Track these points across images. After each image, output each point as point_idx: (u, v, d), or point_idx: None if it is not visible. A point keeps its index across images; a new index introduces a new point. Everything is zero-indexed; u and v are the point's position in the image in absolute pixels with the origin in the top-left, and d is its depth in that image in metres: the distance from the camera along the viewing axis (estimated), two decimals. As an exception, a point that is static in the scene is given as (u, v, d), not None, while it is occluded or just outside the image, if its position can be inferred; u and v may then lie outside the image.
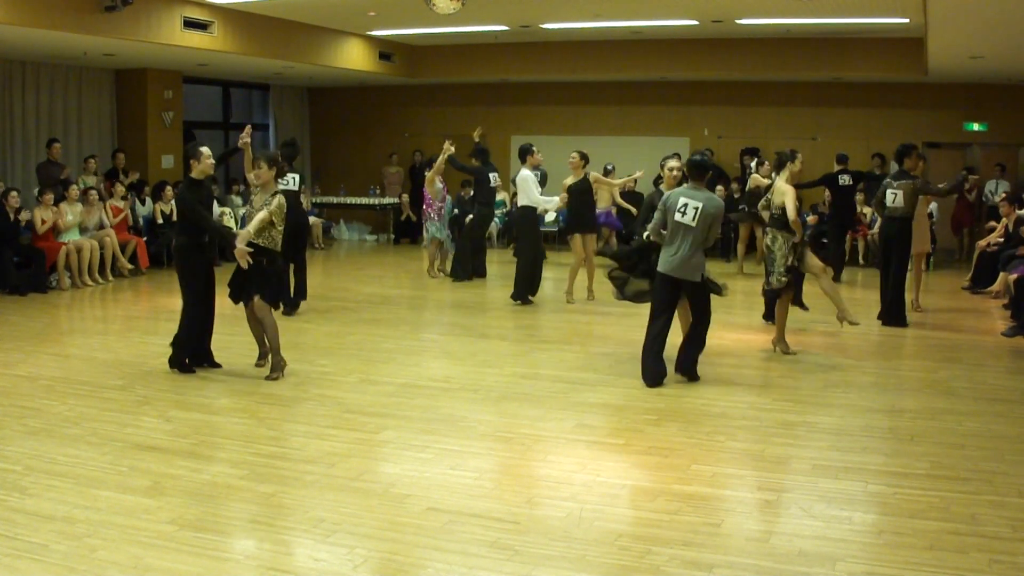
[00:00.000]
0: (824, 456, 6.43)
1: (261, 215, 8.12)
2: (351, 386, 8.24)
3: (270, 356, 8.48)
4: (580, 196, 12.29)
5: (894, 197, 10.87)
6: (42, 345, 9.84)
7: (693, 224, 8.04)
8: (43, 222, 13.25)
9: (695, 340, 8.42)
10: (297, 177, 11.67)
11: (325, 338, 10.16)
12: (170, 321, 11.22)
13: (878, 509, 5.46)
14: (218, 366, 8.73)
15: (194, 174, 8.52)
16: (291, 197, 11.23)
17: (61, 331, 11.16)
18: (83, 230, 13.99)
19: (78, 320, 12.02)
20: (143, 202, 15.76)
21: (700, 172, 8.21)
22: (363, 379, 8.49)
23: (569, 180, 12.29)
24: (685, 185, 8.35)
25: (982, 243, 14.32)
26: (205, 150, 8.57)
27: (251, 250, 8.05)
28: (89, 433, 6.74)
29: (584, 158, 12.36)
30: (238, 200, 17.68)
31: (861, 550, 4.88)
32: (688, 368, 8.41)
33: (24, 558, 4.65)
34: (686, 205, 8.08)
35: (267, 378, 8.33)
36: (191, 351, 8.64)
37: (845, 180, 14.80)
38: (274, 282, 8.46)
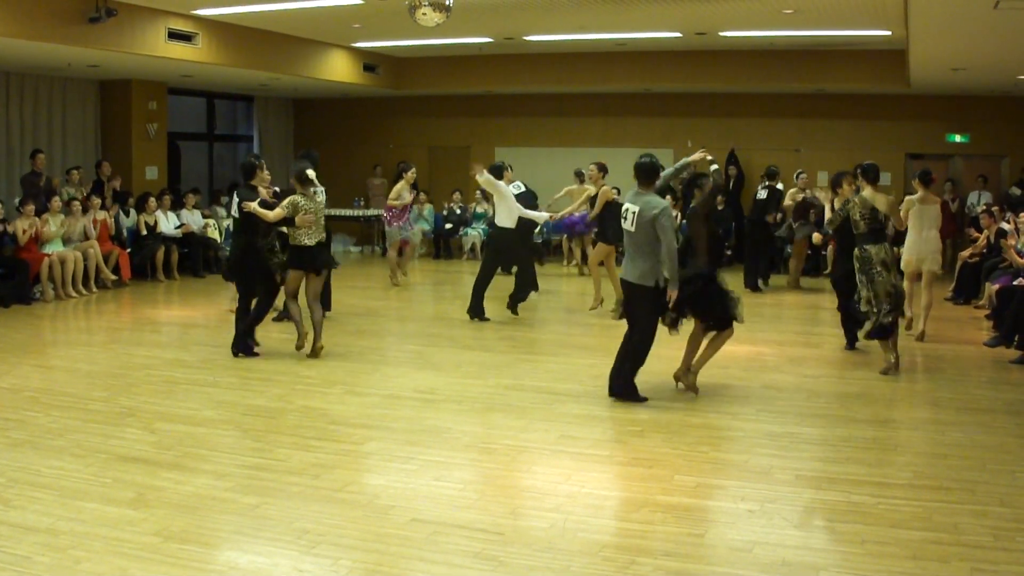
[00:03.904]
0: (807, 466, 6.46)
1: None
2: (335, 397, 8.24)
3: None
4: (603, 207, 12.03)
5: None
6: (25, 357, 9.81)
7: (632, 229, 7.82)
8: (24, 232, 13.20)
9: (629, 355, 8.06)
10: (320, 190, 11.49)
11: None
12: (154, 332, 11.25)
13: (861, 519, 5.48)
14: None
15: (254, 182, 9.91)
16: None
17: (44, 342, 11.12)
18: (66, 241, 13.95)
19: (61, 331, 11.98)
20: (127, 213, 15.72)
21: (646, 175, 7.95)
22: (347, 390, 8.49)
23: (591, 191, 12.25)
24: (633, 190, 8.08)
25: (964, 254, 14.40)
26: (262, 163, 10.18)
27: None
28: (73, 445, 6.72)
29: (602, 169, 12.23)
30: (222, 211, 17.66)
31: (844, 560, 4.91)
32: (620, 388, 8.08)
33: (7, 570, 4.63)
34: (627, 210, 7.91)
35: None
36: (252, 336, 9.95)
37: (761, 195, 15.37)
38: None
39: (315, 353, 9.69)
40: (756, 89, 18.32)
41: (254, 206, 9.49)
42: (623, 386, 8.07)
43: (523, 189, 15.05)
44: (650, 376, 8.73)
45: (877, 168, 9.58)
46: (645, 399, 8.03)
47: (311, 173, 9.63)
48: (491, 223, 17.10)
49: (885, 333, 9.18)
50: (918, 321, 11.11)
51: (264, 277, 9.83)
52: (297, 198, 9.48)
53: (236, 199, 9.82)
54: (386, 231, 15.41)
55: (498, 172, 12.57)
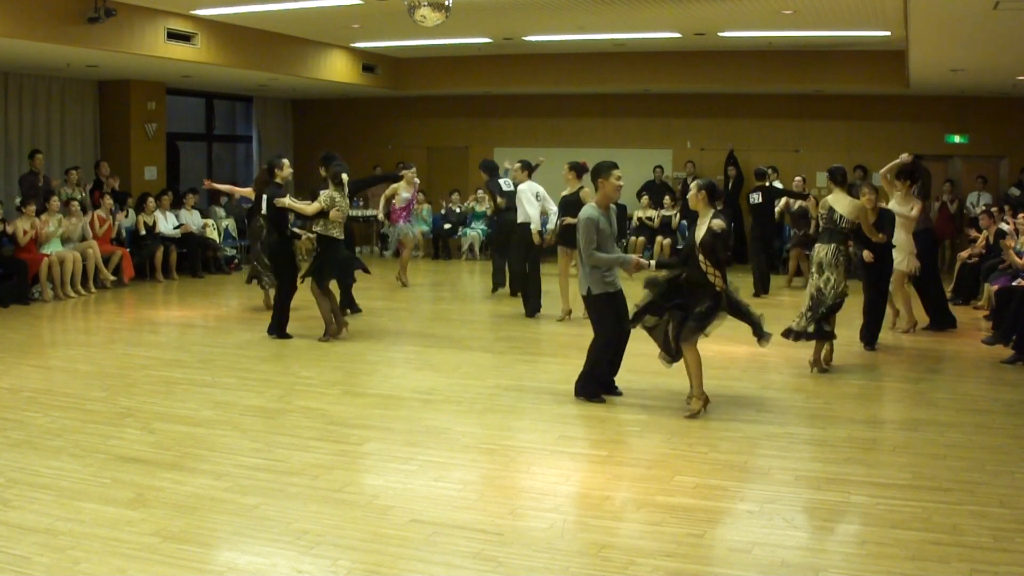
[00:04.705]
0: (806, 467, 6.46)
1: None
2: (334, 398, 8.23)
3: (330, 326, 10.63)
4: (569, 208, 11.50)
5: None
6: (24, 357, 9.80)
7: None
8: (24, 233, 13.19)
9: (588, 356, 8.19)
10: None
11: (308, 350, 10.14)
12: (153, 333, 11.26)
13: (860, 520, 5.48)
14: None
15: (278, 180, 10.71)
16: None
17: (43, 343, 11.11)
18: (65, 241, 13.94)
19: (60, 332, 11.97)
20: (126, 214, 15.71)
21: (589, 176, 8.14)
22: (346, 391, 8.48)
23: (567, 192, 11.93)
24: None
25: (963, 255, 14.42)
26: (285, 160, 10.97)
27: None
28: (72, 445, 6.72)
29: (579, 170, 11.54)
30: (221, 212, 17.66)
31: (843, 560, 4.90)
32: (578, 388, 8.18)
33: (6, 571, 4.63)
34: None
35: (319, 339, 10.53)
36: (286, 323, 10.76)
37: (755, 199, 15.08)
38: (323, 267, 10.58)
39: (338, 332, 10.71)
40: (755, 90, 18.32)
41: (288, 201, 10.46)
42: (579, 384, 8.19)
43: (512, 188, 14.79)
44: (649, 376, 8.74)
45: (844, 171, 9.61)
46: (602, 400, 8.08)
47: (345, 177, 10.52)
48: (491, 222, 17.14)
49: (805, 337, 9.19)
50: (903, 316, 11.44)
51: (292, 270, 10.85)
52: (335, 194, 10.39)
53: (265, 198, 10.59)
54: (388, 231, 15.57)
55: (531, 169, 12.88)
